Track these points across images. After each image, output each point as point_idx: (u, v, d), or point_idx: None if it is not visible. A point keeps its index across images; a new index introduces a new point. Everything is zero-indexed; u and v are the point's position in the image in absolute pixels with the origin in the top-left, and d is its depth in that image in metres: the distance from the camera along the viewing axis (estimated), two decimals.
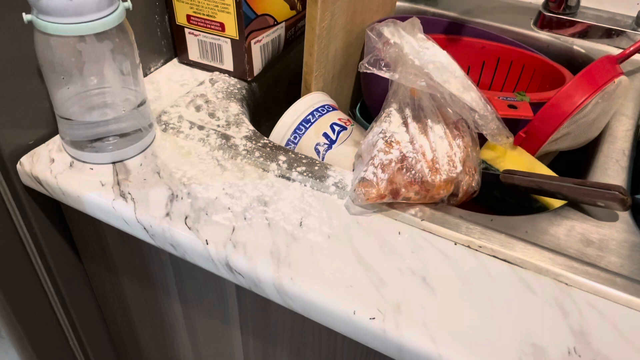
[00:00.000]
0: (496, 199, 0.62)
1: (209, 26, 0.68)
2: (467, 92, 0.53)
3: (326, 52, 0.67)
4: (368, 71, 0.53)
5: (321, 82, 0.70)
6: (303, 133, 0.66)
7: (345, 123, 0.67)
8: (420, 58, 0.50)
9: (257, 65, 0.71)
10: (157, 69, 0.74)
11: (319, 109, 0.68)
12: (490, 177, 0.60)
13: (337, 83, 0.75)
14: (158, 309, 0.71)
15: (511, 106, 0.61)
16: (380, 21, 0.57)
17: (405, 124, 0.55)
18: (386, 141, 0.54)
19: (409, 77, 0.52)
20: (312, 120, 0.67)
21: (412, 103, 0.56)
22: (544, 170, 0.62)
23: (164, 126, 0.63)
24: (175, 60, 0.76)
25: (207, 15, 0.67)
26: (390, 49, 0.52)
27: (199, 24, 0.68)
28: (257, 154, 0.60)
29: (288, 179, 0.57)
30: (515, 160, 0.62)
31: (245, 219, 0.53)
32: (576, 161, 0.70)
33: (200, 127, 0.63)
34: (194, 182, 0.56)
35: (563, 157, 0.69)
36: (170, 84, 0.71)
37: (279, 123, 0.67)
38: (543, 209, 0.60)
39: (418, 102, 0.56)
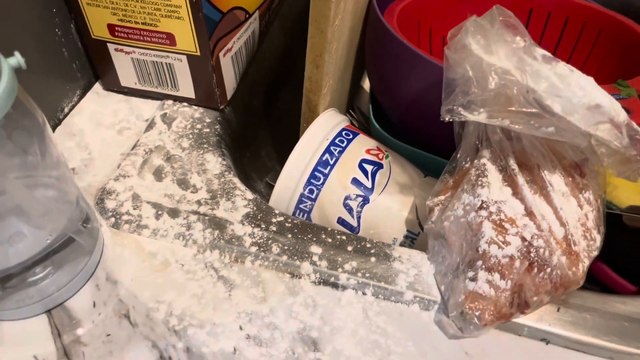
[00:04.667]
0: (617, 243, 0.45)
1: (149, 39, 0.43)
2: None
3: (336, 55, 0.45)
4: (457, 118, 0.32)
5: (328, 97, 0.48)
6: (322, 184, 0.45)
7: (377, 156, 0.46)
8: (568, 100, 0.29)
9: (230, 84, 0.48)
10: (74, 105, 0.48)
11: (336, 141, 0.46)
12: (608, 219, 0.42)
13: (341, 82, 0.53)
14: None
15: None
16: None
17: (511, 182, 0.35)
18: (494, 222, 0.34)
19: (529, 122, 0.31)
20: (331, 162, 0.45)
21: (510, 144, 0.36)
22: None
23: (113, 219, 0.40)
24: (97, 86, 0.50)
25: (144, 23, 0.42)
26: (491, 76, 0.31)
27: (130, 36, 0.43)
28: (274, 248, 0.38)
29: (335, 286, 0.37)
30: (632, 184, 0.44)
31: None
32: None
33: (173, 212, 0.40)
34: (191, 323, 0.35)
35: None
36: (100, 132, 0.46)
37: (283, 175, 0.45)
38: None
39: (516, 140, 0.36)
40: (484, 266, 0.33)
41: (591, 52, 0.60)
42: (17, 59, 0.28)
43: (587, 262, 0.34)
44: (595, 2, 0.59)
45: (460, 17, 0.63)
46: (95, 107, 0.48)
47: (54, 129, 0.46)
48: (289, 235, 0.39)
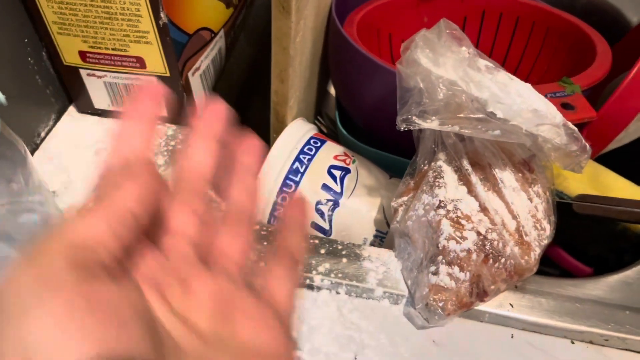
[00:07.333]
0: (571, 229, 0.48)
1: (119, 63, 0.45)
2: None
3: (300, 68, 0.47)
4: (412, 127, 0.35)
5: (295, 108, 0.50)
6: (294, 191, 0.47)
7: (345, 162, 0.49)
8: (509, 107, 0.32)
9: (201, 101, 0.50)
10: (50, 129, 0.50)
11: (305, 150, 0.49)
12: (559, 208, 0.46)
13: (307, 92, 0.55)
14: None
15: (566, 106, 0.45)
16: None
17: (465, 181, 0.38)
18: (452, 220, 0.37)
19: (477, 126, 0.34)
20: (301, 170, 0.48)
21: (463, 145, 0.39)
22: (610, 177, 0.49)
23: None
24: (72, 109, 0.52)
25: (114, 49, 0.44)
26: (439, 87, 0.34)
27: (101, 61, 0.45)
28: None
29: (311, 287, 0.40)
30: (580, 175, 0.48)
31: None
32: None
33: None
34: None
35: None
36: (78, 153, 0.48)
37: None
38: (628, 232, 0.47)
39: (469, 142, 0.39)
40: (444, 260, 0.36)
41: (541, 49, 0.63)
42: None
43: (538, 251, 0.38)
44: (544, 2, 0.63)
45: (418, 21, 0.66)
46: (71, 130, 0.50)
47: (32, 153, 0.48)
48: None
